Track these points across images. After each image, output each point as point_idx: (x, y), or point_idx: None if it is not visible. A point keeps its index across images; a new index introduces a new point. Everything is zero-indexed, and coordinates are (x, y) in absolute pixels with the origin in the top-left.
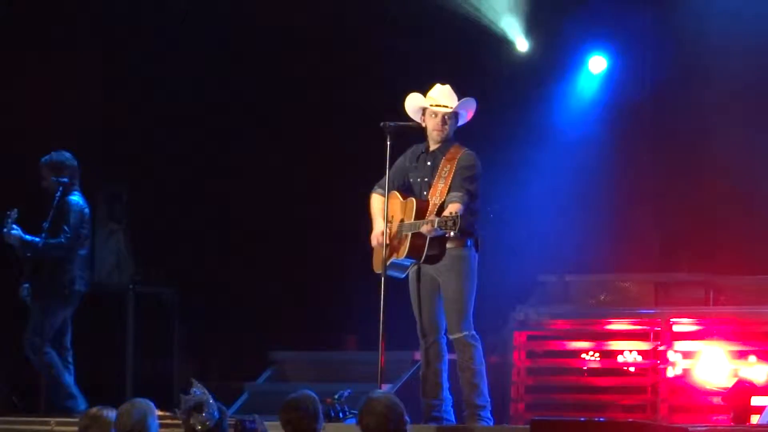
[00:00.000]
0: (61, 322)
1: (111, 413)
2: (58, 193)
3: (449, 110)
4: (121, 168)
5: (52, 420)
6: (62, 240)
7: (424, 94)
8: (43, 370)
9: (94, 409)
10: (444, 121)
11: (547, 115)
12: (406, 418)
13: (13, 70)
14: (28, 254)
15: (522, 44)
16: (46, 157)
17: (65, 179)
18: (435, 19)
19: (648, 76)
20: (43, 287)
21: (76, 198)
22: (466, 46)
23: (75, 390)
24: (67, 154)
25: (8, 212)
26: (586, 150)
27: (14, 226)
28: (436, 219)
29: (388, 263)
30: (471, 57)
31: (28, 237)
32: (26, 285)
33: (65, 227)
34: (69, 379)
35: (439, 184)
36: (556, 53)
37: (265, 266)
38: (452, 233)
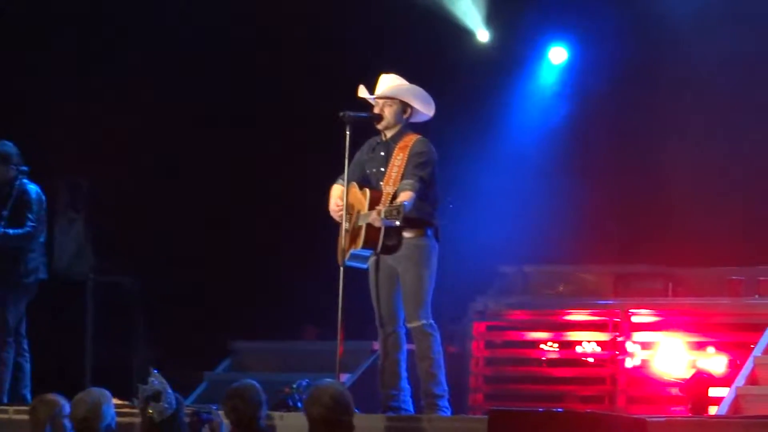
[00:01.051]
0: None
1: (58, 397)
2: (18, 182)
3: (382, 98)
4: (83, 157)
5: (10, 408)
6: (29, 229)
7: None
8: None
9: (44, 394)
10: (381, 110)
11: (508, 106)
12: (353, 407)
13: None
14: None
15: (483, 35)
16: None
17: (24, 167)
18: (395, 9)
19: (608, 67)
20: (3, 279)
21: (33, 186)
22: (426, 36)
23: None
24: (9, 143)
25: None
26: (546, 140)
27: None
28: (383, 209)
29: (348, 254)
30: (431, 48)
31: None
32: None
33: (29, 215)
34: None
35: (392, 173)
36: (516, 44)
37: (225, 256)
38: (397, 222)
